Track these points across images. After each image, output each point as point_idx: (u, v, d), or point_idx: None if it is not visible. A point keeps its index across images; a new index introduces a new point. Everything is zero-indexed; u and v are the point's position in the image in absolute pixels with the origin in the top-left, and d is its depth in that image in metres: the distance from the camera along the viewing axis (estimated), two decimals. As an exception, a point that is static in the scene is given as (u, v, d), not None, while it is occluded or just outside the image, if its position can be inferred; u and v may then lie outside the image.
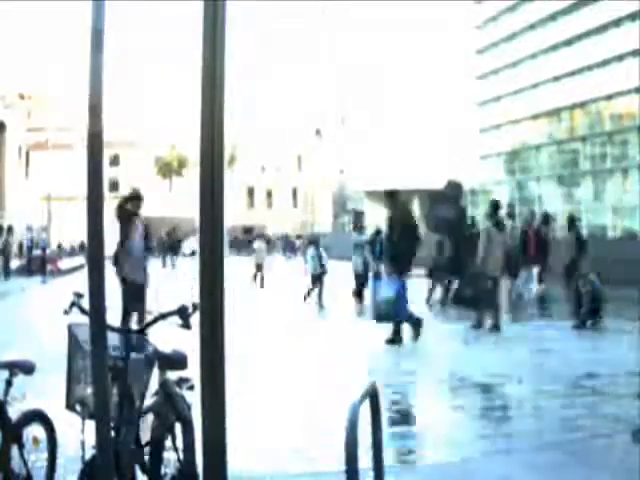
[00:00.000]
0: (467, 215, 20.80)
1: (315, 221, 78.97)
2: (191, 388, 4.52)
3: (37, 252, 38.47)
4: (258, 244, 25.57)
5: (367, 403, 3.30)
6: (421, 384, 9.02)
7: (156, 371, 4.14)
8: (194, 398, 4.10)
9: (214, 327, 2.59)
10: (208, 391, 2.59)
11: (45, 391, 6.63)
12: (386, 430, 4.81)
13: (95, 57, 2.76)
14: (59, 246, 47.71)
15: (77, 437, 3.80)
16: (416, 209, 70.27)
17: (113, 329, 3.79)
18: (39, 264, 34.42)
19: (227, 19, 2.62)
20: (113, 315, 3.89)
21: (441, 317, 15.67)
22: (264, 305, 19.17)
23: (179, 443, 4.43)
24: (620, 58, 51.55)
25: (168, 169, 79.85)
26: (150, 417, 4.37)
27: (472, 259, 13.46)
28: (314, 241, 20.23)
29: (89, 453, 3.64)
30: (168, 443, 4.43)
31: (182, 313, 4.09)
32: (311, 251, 19.13)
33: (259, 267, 24.77)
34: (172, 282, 21.50)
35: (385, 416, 5.79)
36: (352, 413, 3.02)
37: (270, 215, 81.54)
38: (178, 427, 4.44)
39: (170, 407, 4.40)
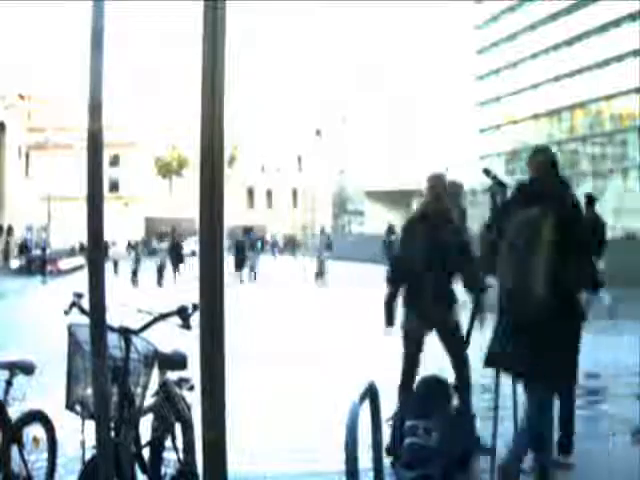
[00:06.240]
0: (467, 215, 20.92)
1: (315, 221, 78.95)
2: (191, 388, 4.53)
3: (37, 252, 38.50)
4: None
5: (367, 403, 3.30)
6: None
7: (156, 371, 4.14)
8: (194, 398, 4.11)
9: (214, 327, 2.59)
10: (208, 391, 2.59)
11: (45, 391, 6.64)
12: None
13: (95, 57, 2.76)
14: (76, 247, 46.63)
15: (77, 437, 3.80)
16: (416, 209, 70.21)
17: (113, 329, 3.78)
18: (39, 264, 34.43)
19: (227, 19, 2.62)
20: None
21: None
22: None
23: (179, 443, 4.43)
24: (620, 58, 51.53)
25: (168, 169, 79.77)
26: (150, 417, 4.37)
27: None
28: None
29: (89, 453, 3.63)
30: (168, 443, 4.44)
31: (182, 313, 4.09)
32: None
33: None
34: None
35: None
36: (352, 413, 3.01)
37: (270, 215, 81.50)
38: (178, 427, 4.44)
39: (170, 407, 4.40)
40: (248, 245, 31.19)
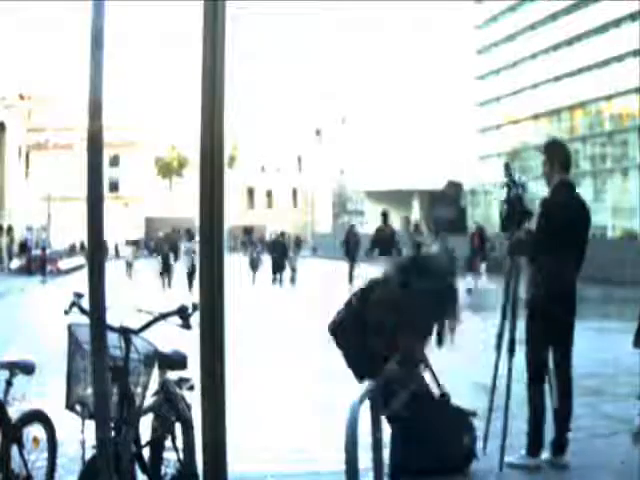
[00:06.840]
0: (467, 215, 20.99)
1: (315, 221, 78.98)
2: (191, 388, 4.52)
3: (37, 252, 38.52)
4: None
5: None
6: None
7: (156, 371, 4.13)
8: (194, 398, 4.11)
9: (214, 327, 2.59)
10: (208, 391, 2.59)
11: (45, 391, 6.63)
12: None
13: (95, 56, 2.76)
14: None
15: (77, 437, 3.79)
16: (416, 209, 70.21)
17: (113, 329, 3.78)
18: (39, 264, 34.46)
19: (227, 19, 2.63)
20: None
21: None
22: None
23: (179, 443, 4.43)
24: (620, 58, 51.54)
25: (168, 169, 79.79)
26: (150, 417, 4.37)
27: None
28: None
29: (89, 453, 3.63)
30: (168, 443, 4.43)
31: (182, 313, 4.09)
32: None
33: None
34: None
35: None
36: (352, 413, 3.02)
37: (270, 215, 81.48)
38: (178, 427, 4.44)
39: (170, 407, 4.40)
40: (288, 245, 28.18)
